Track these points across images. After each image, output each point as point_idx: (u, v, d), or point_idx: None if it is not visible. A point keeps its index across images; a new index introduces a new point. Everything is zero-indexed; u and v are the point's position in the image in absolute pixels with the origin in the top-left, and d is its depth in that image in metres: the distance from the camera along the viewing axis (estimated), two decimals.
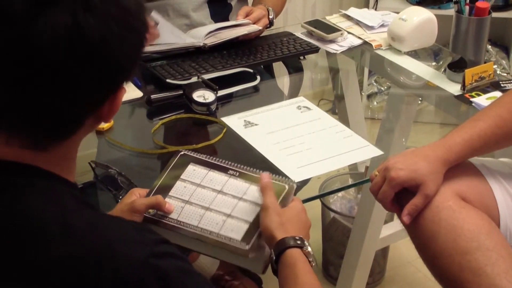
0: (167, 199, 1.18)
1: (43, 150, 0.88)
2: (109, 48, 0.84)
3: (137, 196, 1.18)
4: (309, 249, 1.08)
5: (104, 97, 0.88)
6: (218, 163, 1.24)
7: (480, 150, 1.23)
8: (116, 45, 0.84)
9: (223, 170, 1.23)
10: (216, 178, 1.22)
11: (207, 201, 1.18)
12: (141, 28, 0.89)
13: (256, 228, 1.13)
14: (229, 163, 1.24)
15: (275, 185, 1.18)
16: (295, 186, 1.20)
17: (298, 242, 1.08)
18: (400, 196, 1.21)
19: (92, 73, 0.84)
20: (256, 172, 1.22)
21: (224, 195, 1.19)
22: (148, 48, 1.77)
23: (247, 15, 1.88)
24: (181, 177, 1.22)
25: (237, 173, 1.22)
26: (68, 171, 0.92)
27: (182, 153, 1.26)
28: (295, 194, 1.24)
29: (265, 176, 1.17)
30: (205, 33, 1.81)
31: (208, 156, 1.26)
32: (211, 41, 1.80)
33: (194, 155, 1.26)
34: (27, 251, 0.83)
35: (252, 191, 1.19)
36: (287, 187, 1.19)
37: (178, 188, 1.20)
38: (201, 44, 1.79)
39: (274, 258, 1.08)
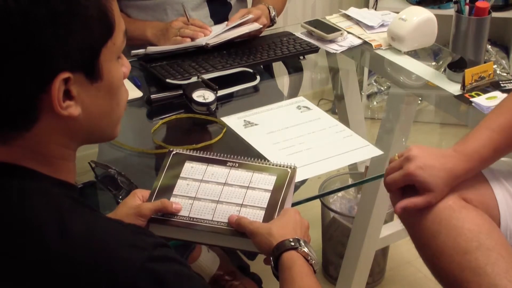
0: (172, 199, 1.18)
1: (5, 142, 0.86)
2: (10, 18, 0.79)
3: (139, 198, 1.18)
4: (306, 249, 1.07)
5: (33, 87, 0.83)
6: (214, 157, 1.24)
7: (492, 161, 1.24)
8: (18, 19, 0.79)
9: (222, 163, 1.23)
10: (217, 171, 1.22)
11: (215, 195, 1.18)
12: (57, 4, 0.82)
13: (273, 212, 1.15)
14: (225, 155, 1.25)
15: (278, 170, 1.21)
16: (296, 169, 1.22)
17: (292, 244, 1.07)
18: (406, 186, 1.21)
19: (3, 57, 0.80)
20: (253, 161, 1.23)
21: (230, 187, 1.19)
22: (149, 49, 1.78)
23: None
24: (181, 175, 1.22)
25: (237, 164, 1.23)
26: (59, 171, 0.90)
27: (174, 152, 1.26)
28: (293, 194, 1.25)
29: (232, 217, 1.15)
30: (213, 34, 1.81)
31: (201, 152, 1.26)
32: (214, 41, 1.80)
33: (187, 153, 1.26)
34: (26, 252, 0.83)
35: (257, 178, 1.20)
36: (289, 170, 1.21)
37: (181, 186, 1.20)
38: (203, 44, 1.79)
39: (273, 264, 1.08)
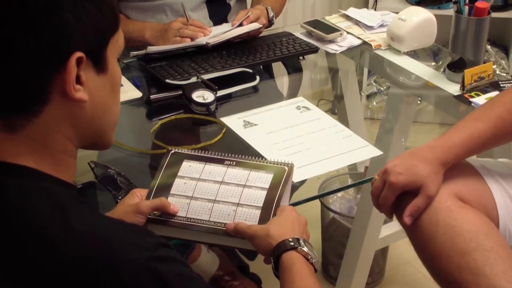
0: (169, 198, 1.18)
1: (12, 130, 0.87)
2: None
3: (138, 197, 1.18)
4: (305, 248, 1.07)
5: (49, 65, 0.85)
6: (212, 156, 1.25)
7: (478, 151, 1.24)
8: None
9: (219, 161, 1.24)
10: (214, 170, 1.22)
11: (212, 194, 1.18)
12: None
13: (269, 211, 1.15)
14: (223, 154, 1.25)
15: (275, 168, 1.21)
16: (293, 166, 1.22)
17: (292, 244, 1.07)
18: (399, 197, 1.21)
19: (14, 31, 0.82)
20: (251, 159, 1.24)
21: (227, 185, 1.19)
22: (149, 48, 1.78)
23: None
24: (179, 174, 1.22)
25: (234, 163, 1.23)
26: (60, 166, 0.90)
27: (172, 151, 1.27)
28: (292, 194, 1.25)
29: (229, 226, 1.14)
30: (213, 34, 1.81)
31: (200, 151, 1.26)
32: (214, 40, 1.80)
33: (185, 152, 1.26)
34: (27, 251, 0.83)
35: (253, 176, 1.20)
36: (286, 168, 1.21)
37: (179, 185, 1.20)
38: (204, 43, 1.79)
39: (273, 265, 1.08)
